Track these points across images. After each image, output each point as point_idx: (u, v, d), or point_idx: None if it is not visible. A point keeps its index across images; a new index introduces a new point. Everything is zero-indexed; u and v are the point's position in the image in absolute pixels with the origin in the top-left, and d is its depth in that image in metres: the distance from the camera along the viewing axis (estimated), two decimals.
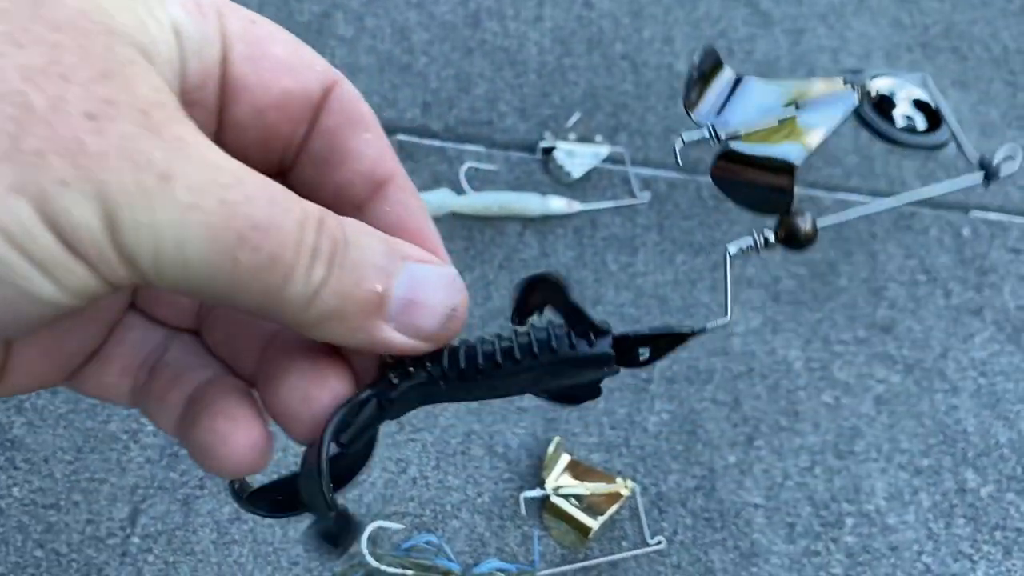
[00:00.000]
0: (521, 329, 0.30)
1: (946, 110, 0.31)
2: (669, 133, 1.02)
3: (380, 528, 0.71)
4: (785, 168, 0.27)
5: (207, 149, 0.22)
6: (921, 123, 1.11)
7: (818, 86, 0.30)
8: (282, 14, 1.05)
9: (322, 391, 0.27)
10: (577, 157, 0.96)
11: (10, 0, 0.20)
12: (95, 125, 0.20)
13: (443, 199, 0.88)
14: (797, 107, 0.30)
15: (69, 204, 0.19)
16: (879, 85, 1.14)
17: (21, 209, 0.19)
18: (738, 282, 0.91)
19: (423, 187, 0.91)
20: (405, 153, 0.94)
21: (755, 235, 0.28)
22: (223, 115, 0.27)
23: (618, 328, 0.30)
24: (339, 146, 0.28)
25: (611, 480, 0.75)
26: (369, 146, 0.29)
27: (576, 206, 0.93)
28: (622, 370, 0.29)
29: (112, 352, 0.30)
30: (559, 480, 0.74)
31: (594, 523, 0.72)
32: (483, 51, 1.06)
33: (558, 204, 0.92)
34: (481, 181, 0.94)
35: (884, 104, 1.12)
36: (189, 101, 0.25)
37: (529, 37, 1.09)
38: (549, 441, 0.77)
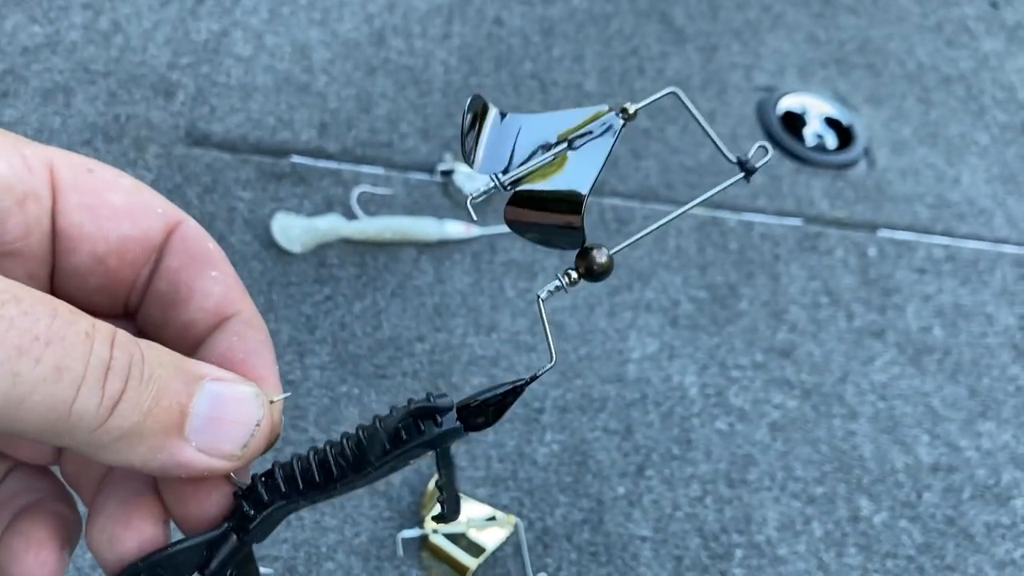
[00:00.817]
0: (365, 425, 0.29)
1: (700, 119, 0.30)
2: None
3: None
4: (573, 206, 0.28)
5: None
6: (832, 141, 1.11)
7: (581, 115, 0.31)
8: (178, 33, 1.02)
9: (126, 532, 0.27)
10: (477, 180, 0.94)
11: None
12: None
13: (333, 225, 0.86)
14: (569, 143, 0.30)
15: None
16: (790, 104, 1.13)
17: None
18: (636, 307, 0.90)
19: (315, 211, 0.89)
20: (298, 176, 0.92)
21: (559, 276, 0.29)
22: (59, 263, 0.27)
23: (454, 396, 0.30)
24: (184, 285, 0.29)
25: (494, 516, 0.74)
26: (216, 283, 0.29)
27: (475, 230, 0.91)
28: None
29: None
30: None
31: (473, 562, 0.70)
32: (387, 70, 1.04)
33: (456, 228, 0.90)
34: (377, 205, 0.92)
35: (795, 122, 1.11)
36: (9, 252, 0.26)
37: (436, 55, 1.07)
38: (432, 477, 0.75)
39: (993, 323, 0.97)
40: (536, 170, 0.30)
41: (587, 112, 0.30)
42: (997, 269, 1.02)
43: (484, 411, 0.29)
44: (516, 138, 0.31)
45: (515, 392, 0.29)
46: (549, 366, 0.29)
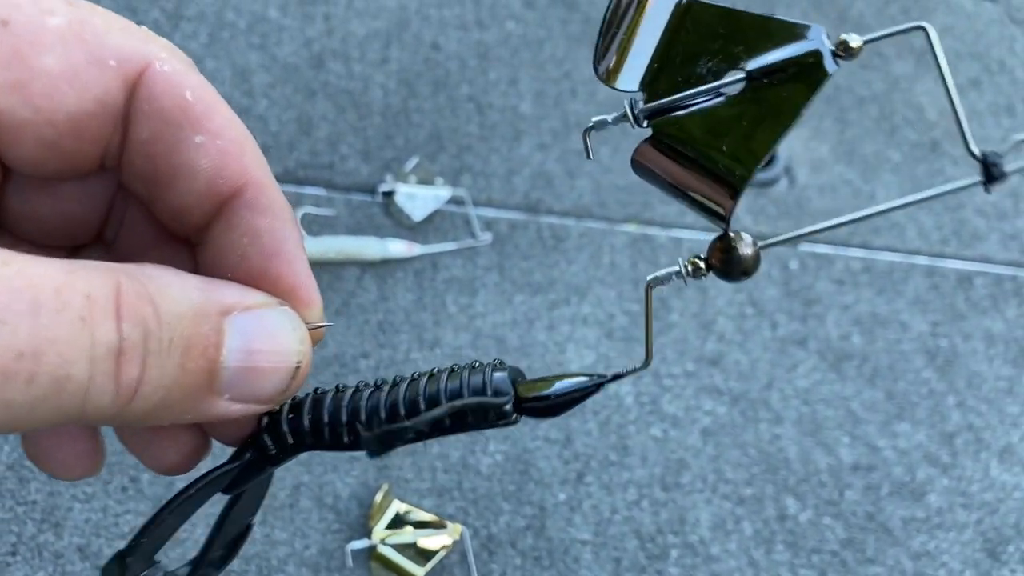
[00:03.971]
0: (416, 380, 0.26)
1: (950, 83, 0.22)
2: (512, 175, 1.05)
3: None
4: (731, 175, 0.21)
5: None
6: None
7: (775, 31, 0.21)
8: None
9: (171, 445, 0.26)
10: (418, 200, 0.97)
11: None
12: None
13: None
14: (748, 75, 0.21)
15: None
16: None
17: None
18: (573, 320, 0.94)
19: None
20: None
21: (683, 262, 0.23)
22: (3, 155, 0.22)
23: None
24: (162, 162, 0.22)
25: (441, 525, 0.76)
26: (203, 154, 0.22)
27: (417, 249, 0.94)
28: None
29: None
30: (387, 528, 0.75)
31: (420, 570, 0.73)
32: (326, 93, 1.06)
33: (398, 247, 0.93)
34: (320, 225, 0.94)
35: None
36: None
37: (374, 79, 1.09)
38: (379, 489, 0.77)
39: (907, 330, 1.03)
40: (693, 104, 0.22)
41: (783, 28, 0.21)
42: (910, 279, 1.09)
43: (549, 408, 0.25)
44: (665, 36, 0.22)
45: (590, 392, 0.25)
46: (640, 368, 0.25)
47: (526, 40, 1.20)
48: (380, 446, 0.24)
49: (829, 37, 0.20)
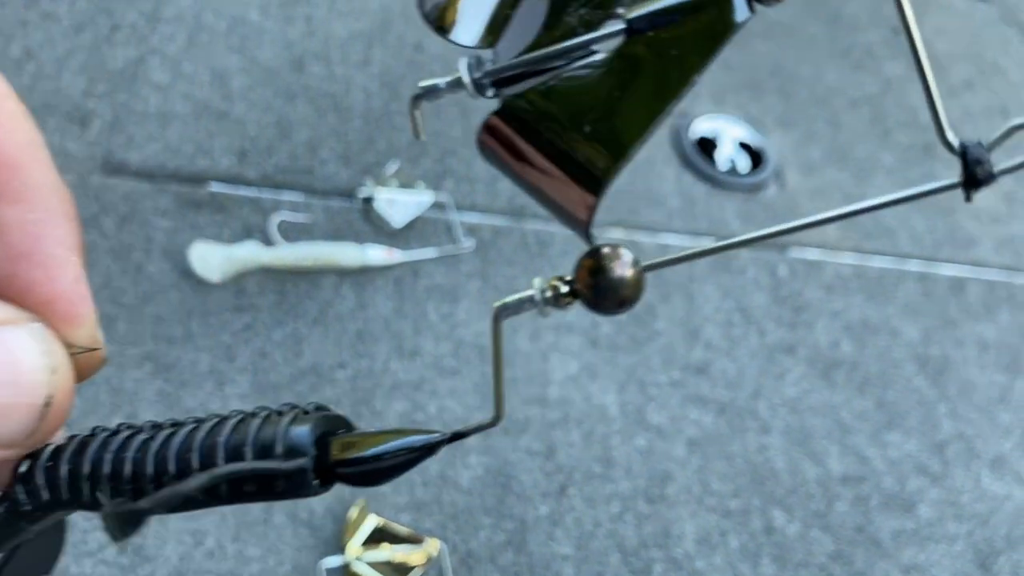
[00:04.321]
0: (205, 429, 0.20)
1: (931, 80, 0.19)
2: (496, 179, 1.03)
3: None
4: (594, 167, 0.16)
5: None
6: (744, 164, 1.15)
7: None
8: (93, 60, 1.01)
9: None
10: (399, 205, 0.95)
11: None
12: None
13: (252, 252, 0.86)
14: (629, 24, 0.16)
15: None
16: (703, 128, 1.17)
17: None
18: (557, 329, 0.92)
19: (235, 239, 0.89)
20: (217, 204, 0.92)
21: (539, 287, 0.18)
22: None
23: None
24: None
25: (418, 541, 0.74)
26: None
27: (397, 256, 0.92)
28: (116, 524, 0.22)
29: None
30: (363, 545, 0.73)
31: None
32: (307, 96, 1.04)
33: (377, 254, 0.91)
34: (298, 231, 0.92)
35: (708, 147, 1.15)
36: None
37: (356, 82, 1.08)
38: (354, 504, 0.75)
39: (898, 337, 1.01)
40: (549, 67, 0.16)
41: None
42: (902, 285, 1.07)
43: (367, 475, 0.20)
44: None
45: (423, 455, 0.20)
46: (487, 424, 0.20)
47: None
48: (121, 531, 0.20)
49: None
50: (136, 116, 0.97)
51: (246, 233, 0.90)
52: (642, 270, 0.17)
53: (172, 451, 0.19)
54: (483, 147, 0.17)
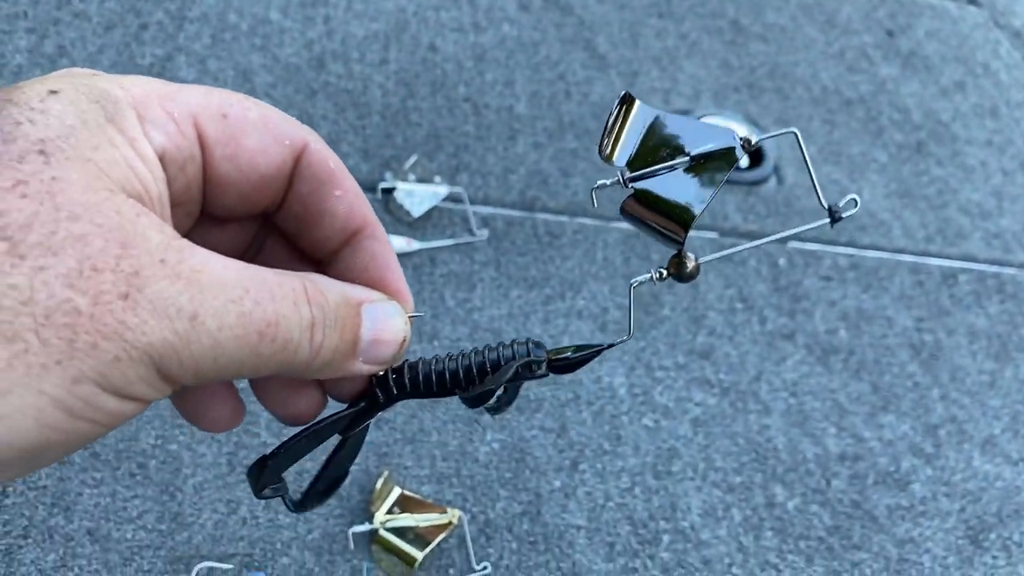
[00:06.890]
0: (479, 352, 0.35)
1: (810, 165, 0.35)
2: (508, 173, 1.07)
3: (208, 568, 0.72)
4: (683, 219, 0.33)
5: (214, 269, 0.26)
6: (743, 160, 1.19)
7: (707, 132, 0.33)
8: (123, 58, 1.05)
9: (298, 398, 0.34)
10: (417, 197, 1.00)
11: (32, 200, 0.24)
12: (130, 303, 0.24)
13: None
14: (692, 159, 0.33)
15: (125, 371, 0.25)
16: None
17: (85, 391, 0.24)
18: (568, 314, 0.96)
19: None
20: None
21: (652, 271, 0.34)
22: (209, 203, 0.32)
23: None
24: (314, 208, 0.33)
25: (440, 511, 0.78)
26: (340, 203, 0.33)
27: (415, 244, 0.96)
28: (469, 401, 0.36)
29: None
30: (388, 513, 0.77)
31: (419, 554, 0.75)
32: (327, 93, 1.09)
33: (397, 243, 0.95)
34: None
35: None
36: (176, 203, 0.30)
37: (374, 79, 1.12)
38: (380, 475, 0.79)
39: (892, 325, 1.06)
40: (658, 173, 0.33)
41: (713, 130, 0.33)
42: (896, 276, 1.12)
43: (569, 364, 0.35)
44: (642, 134, 0.34)
45: (596, 354, 0.35)
46: (627, 338, 0.36)
47: (521, 43, 1.23)
48: (475, 402, 0.35)
49: (737, 138, 0.33)
50: None
51: None
52: (698, 263, 0.34)
53: (467, 361, 0.34)
54: (624, 212, 0.34)
